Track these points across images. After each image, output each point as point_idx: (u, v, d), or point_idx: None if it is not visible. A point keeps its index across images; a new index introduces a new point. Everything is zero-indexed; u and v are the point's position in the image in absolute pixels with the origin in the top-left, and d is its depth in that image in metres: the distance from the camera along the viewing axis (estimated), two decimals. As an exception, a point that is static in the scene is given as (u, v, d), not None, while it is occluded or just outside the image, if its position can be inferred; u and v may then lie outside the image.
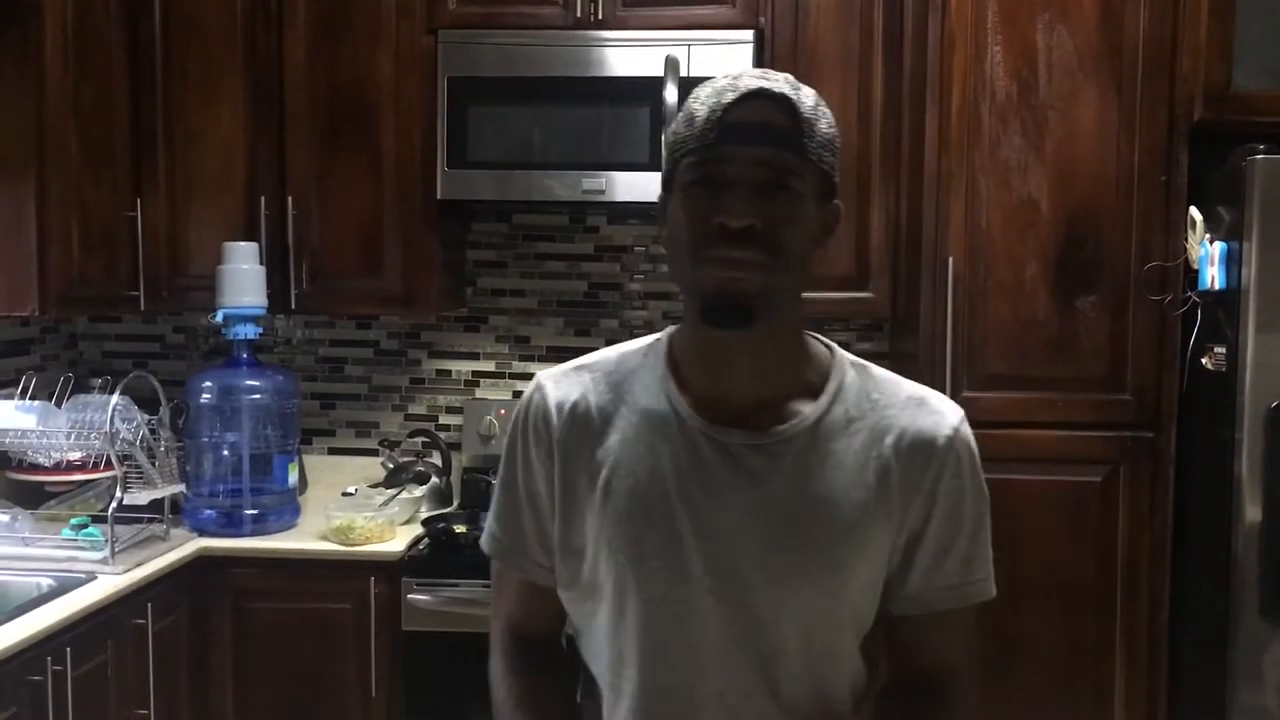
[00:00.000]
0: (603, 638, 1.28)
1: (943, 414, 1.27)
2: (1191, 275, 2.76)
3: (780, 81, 1.19)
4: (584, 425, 1.28)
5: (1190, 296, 2.77)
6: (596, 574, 1.27)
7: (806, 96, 1.20)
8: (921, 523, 1.24)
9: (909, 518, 1.24)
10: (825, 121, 1.20)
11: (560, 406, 1.30)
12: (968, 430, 1.28)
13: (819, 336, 1.32)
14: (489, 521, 1.38)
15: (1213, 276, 2.67)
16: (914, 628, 1.28)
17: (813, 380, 1.26)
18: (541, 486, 1.31)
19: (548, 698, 1.34)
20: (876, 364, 1.33)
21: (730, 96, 1.17)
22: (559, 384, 1.32)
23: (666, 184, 1.25)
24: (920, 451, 1.24)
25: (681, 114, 1.23)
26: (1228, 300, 2.65)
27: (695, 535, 1.21)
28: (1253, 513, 2.61)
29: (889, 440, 1.24)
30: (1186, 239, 2.76)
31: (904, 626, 1.29)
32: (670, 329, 1.33)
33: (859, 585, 1.24)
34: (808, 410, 1.24)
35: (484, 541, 1.38)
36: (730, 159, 1.17)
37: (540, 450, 1.30)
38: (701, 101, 1.20)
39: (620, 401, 1.28)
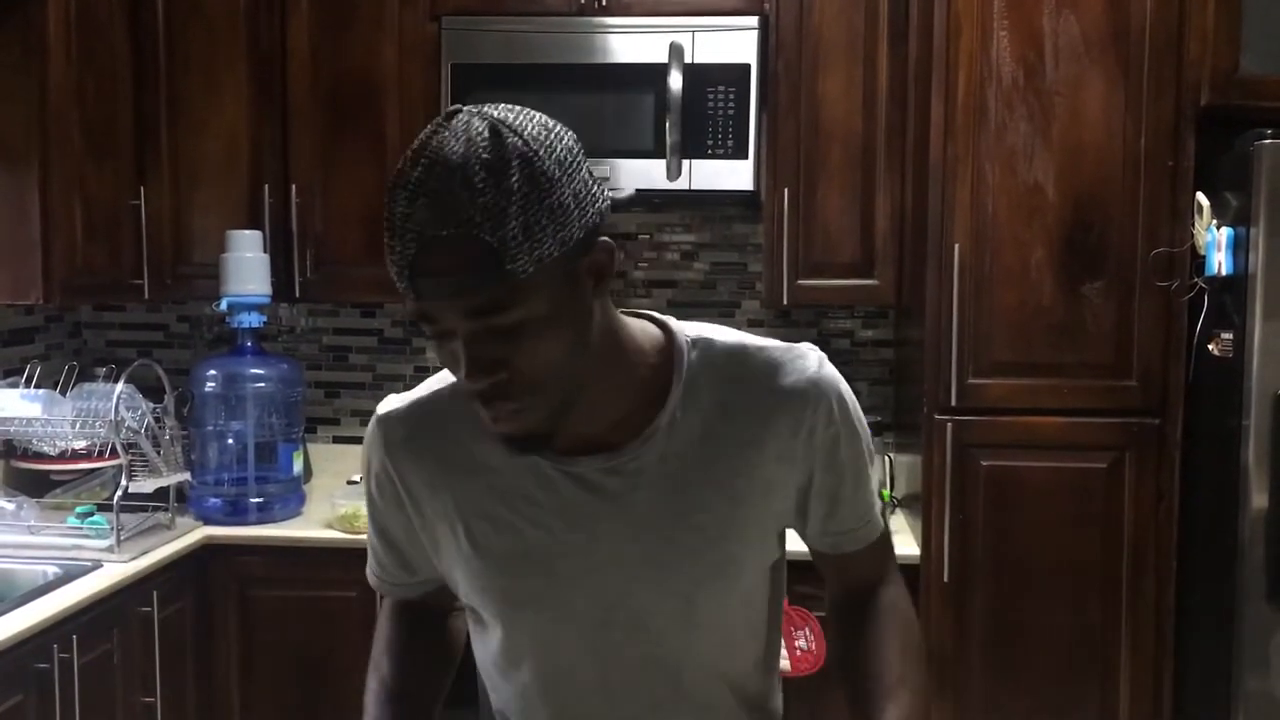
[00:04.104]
0: (508, 677, 1.27)
1: (799, 369, 1.18)
2: (1198, 261, 2.75)
3: (451, 194, 0.97)
4: (429, 470, 1.21)
5: (1197, 282, 2.76)
6: (483, 620, 1.25)
7: (495, 186, 0.97)
8: (806, 479, 1.20)
9: (790, 479, 1.20)
10: (530, 197, 0.99)
11: (400, 452, 1.22)
12: (829, 371, 1.20)
13: (651, 316, 1.22)
14: (372, 559, 1.36)
15: (1219, 262, 2.66)
16: (830, 561, 1.30)
17: (657, 380, 1.17)
18: (394, 526, 1.28)
19: (419, 688, 1.33)
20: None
21: (411, 248, 0.99)
22: (395, 427, 1.23)
23: None
24: (786, 415, 1.17)
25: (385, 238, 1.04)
26: (1234, 286, 2.64)
27: (573, 572, 1.17)
28: (1259, 499, 2.60)
29: (750, 414, 1.17)
30: (1193, 225, 2.75)
31: (821, 560, 1.31)
32: None
33: (752, 566, 1.22)
34: (661, 417, 1.16)
35: (368, 574, 1.37)
36: (436, 316, 1.02)
37: (384, 497, 1.26)
38: (389, 238, 1.01)
39: (465, 441, 1.19)
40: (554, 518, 1.17)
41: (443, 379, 1.23)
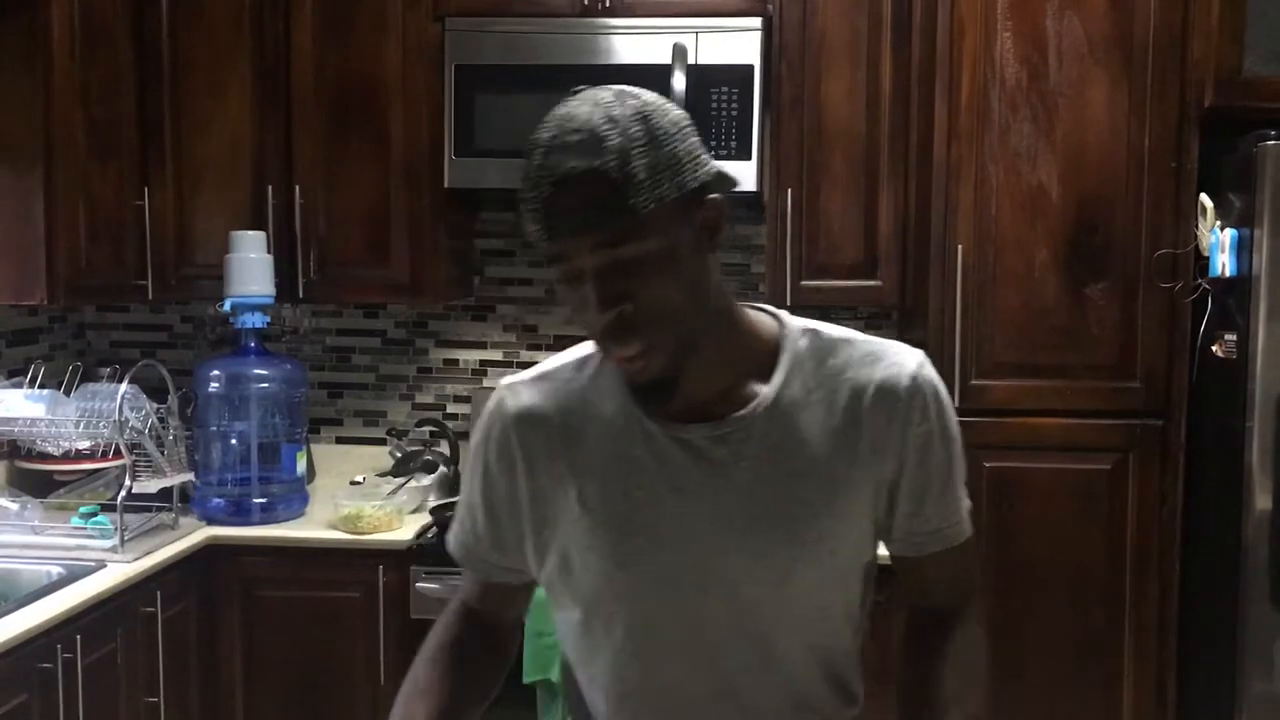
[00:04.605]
0: (600, 644, 1.30)
1: (900, 363, 1.25)
2: (1202, 262, 2.75)
3: (587, 140, 1.11)
4: (548, 436, 1.28)
5: (1200, 284, 2.76)
6: (584, 583, 1.28)
7: (620, 134, 1.11)
8: (895, 473, 1.25)
9: (883, 470, 1.24)
10: (652, 146, 1.12)
11: (523, 417, 1.30)
12: (929, 373, 1.26)
13: (765, 308, 1.31)
14: (454, 526, 1.40)
15: (1223, 263, 2.66)
16: (912, 569, 1.32)
17: (764, 359, 1.25)
18: (502, 497, 1.32)
19: (455, 687, 1.33)
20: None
21: (546, 189, 1.12)
22: (520, 394, 1.32)
23: None
24: (882, 405, 1.23)
25: (519, 194, 1.17)
26: (1238, 287, 2.64)
27: (675, 537, 1.23)
28: (1263, 500, 2.60)
29: (850, 401, 1.23)
30: (1197, 226, 2.75)
31: (901, 565, 1.33)
32: None
33: (846, 549, 1.26)
34: (764, 391, 1.23)
35: (450, 546, 1.40)
36: (568, 254, 1.14)
37: (502, 463, 1.31)
38: (524, 191, 1.14)
39: (583, 409, 1.28)
40: (660, 482, 1.23)
41: (563, 358, 1.33)
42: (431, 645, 1.38)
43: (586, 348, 1.32)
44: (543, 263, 1.17)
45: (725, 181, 1.21)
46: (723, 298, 1.23)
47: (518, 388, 1.32)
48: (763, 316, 1.29)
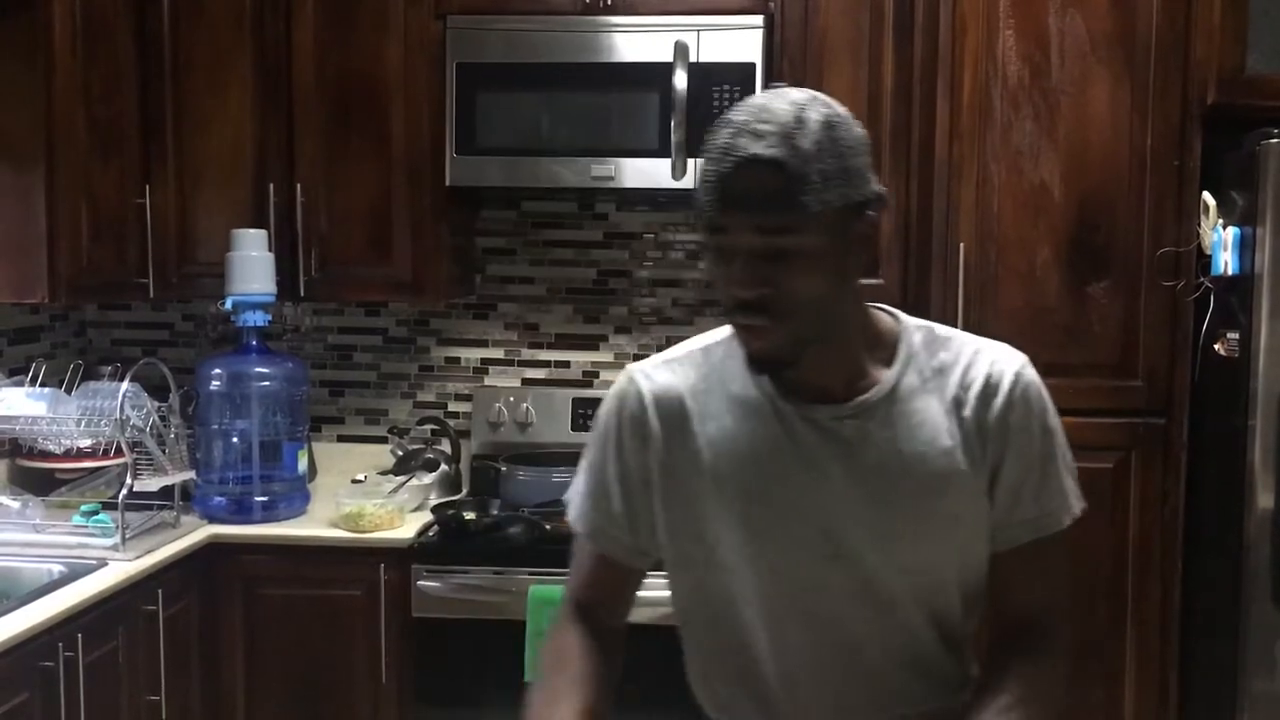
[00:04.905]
0: (727, 612, 1.38)
1: (1005, 361, 1.36)
2: (1204, 260, 2.74)
3: (776, 134, 1.21)
4: (680, 414, 1.38)
5: (1203, 282, 2.75)
6: (716, 553, 1.37)
7: (806, 137, 1.21)
8: (997, 462, 1.34)
9: (988, 458, 1.33)
10: (832, 156, 1.22)
11: (656, 397, 1.39)
12: (1030, 373, 1.37)
13: (883, 307, 1.41)
14: (578, 501, 1.47)
15: (1226, 262, 2.65)
16: (1001, 565, 1.38)
17: (884, 350, 1.36)
18: (634, 472, 1.40)
19: (582, 658, 1.41)
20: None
21: (728, 165, 1.22)
22: (652, 376, 1.41)
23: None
24: (987, 397, 1.33)
25: (700, 166, 1.28)
26: (1241, 286, 2.64)
27: (805, 508, 1.33)
28: (1265, 499, 2.60)
29: (959, 392, 1.34)
30: (1199, 224, 2.74)
31: (997, 569, 1.38)
32: None
33: (964, 530, 1.34)
34: (884, 378, 1.34)
35: (574, 519, 1.47)
36: (730, 228, 1.24)
37: (635, 440, 1.40)
38: (706, 164, 1.25)
39: (712, 390, 1.38)
40: (790, 457, 1.33)
41: (689, 345, 1.44)
42: (552, 650, 1.44)
43: (710, 336, 1.43)
44: (698, 228, 1.28)
45: (882, 202, 1.30)
46: (857, 299, 1.34)
47: (648, 369, 1.43)
48: (883, 315, 1.40)
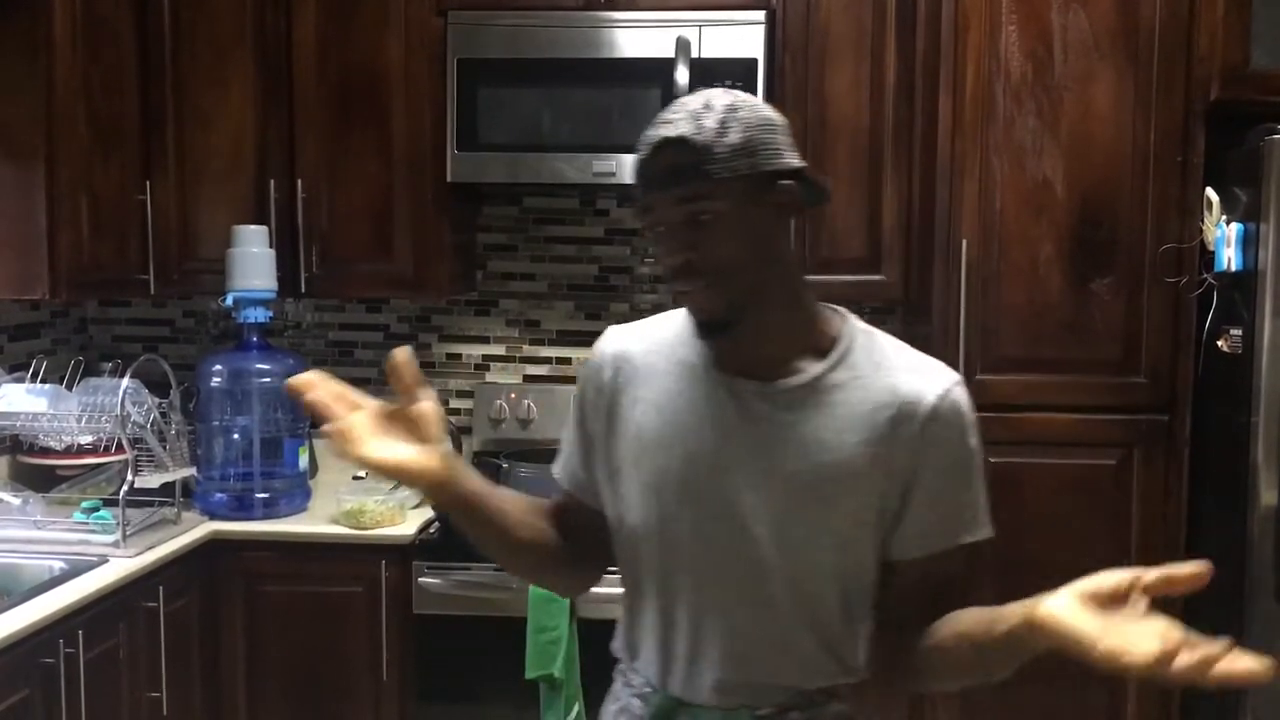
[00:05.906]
0: (628, 546, 1.48)
1: (936, 379, 1.40)
2: (1207, 257, 2.74)
3: (684, 118, 1.34)
4: (631, 370, 1.49)
5: (1206, 278, 2.75)
6: (628, 499, 1.46)
7: (711, 116, 1.33)
8: (911, 474, 1.38)
9: (899, 469, 1.38)
10: (735, 131, 1.33)
11: (615, 355, 1.52)
12: (959, 394, 1.40)
13: (833, 306, 1.47)
14: (561, 453, 1.59)
15: (1229, 258, 2.65)
16: (899, 574, 1.43)
17: (822, 344, 1.42)
18: (594, 417, 1.52)
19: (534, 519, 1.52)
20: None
21: (644, 152, 1.35)
22: (618, 337, 1.54)
23: None
24: (910, 411, 1.37)
25: None
26: (1244, 282, 2.63)
27: (707, 466, 1.41)
28: (1268, 496, 2.59)
29: (884, 398, 1.38)
30: (1202, 220, 2.74)
31: (905, 568, 1.42)
32: None
33: (845, 520, 1.39)
34: (813, 369, 1.41)
35: (555, 470, 1.59)
36: (655, 206, 1.36)
37: (594, 392, 1.52)
38: (635, 157, 1.37)
39: (661, 353, 1.49)
40: (703, 419, 1.42)
41: (662, 315, 1.55)
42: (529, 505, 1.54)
43: (681, 310, 1.50)
44: (639, 216, 1.40)
45: (803, 178, 1.38)
46: (792, 276, 1.42)
47: (619, 330, 1.55)
48: (829, 312, 1.46)
